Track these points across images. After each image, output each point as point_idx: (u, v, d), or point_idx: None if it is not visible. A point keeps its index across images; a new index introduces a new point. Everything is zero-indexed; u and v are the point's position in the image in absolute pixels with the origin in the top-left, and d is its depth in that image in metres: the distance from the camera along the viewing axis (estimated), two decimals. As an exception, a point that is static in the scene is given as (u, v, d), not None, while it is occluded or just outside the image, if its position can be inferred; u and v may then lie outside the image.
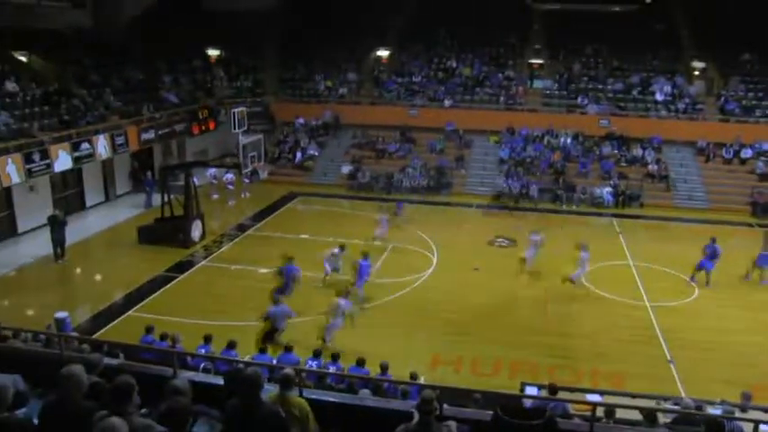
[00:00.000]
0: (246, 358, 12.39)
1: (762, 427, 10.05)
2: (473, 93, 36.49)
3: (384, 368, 12.09)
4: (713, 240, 21.33)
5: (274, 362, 12.56)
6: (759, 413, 12.08)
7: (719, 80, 36.72)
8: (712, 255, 21.10)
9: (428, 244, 24.47)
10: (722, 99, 35.14)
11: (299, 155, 34.93)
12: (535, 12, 40.90)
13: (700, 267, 21.10)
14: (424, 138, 35.03)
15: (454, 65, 38.47)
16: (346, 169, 33.47)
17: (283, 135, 36.66)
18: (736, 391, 12.80)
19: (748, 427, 7.73)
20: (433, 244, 24.25)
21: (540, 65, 37.90)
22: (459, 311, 18.63)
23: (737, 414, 11.30)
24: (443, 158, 33.65)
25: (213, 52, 38.22)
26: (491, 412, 6.83)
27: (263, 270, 20.65)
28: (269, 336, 15.25)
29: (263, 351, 13.62)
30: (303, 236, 24.95)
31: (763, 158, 32.48)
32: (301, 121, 36.91)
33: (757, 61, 37.28)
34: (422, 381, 12.03)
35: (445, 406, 6.84)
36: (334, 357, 13.17)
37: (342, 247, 20.41)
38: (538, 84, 37.07)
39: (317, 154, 35.27)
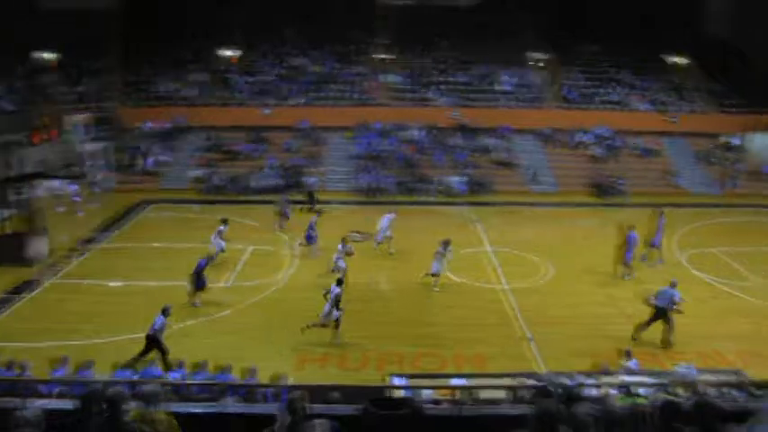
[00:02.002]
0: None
1: (611, 391, 10.54)
2: (325, 90, 36.32)
3: (249, 372, 11.70)
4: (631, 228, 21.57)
5: (135, 377, 11.82)
6: (608, 378, 12.72)
7: (560, 70, 38.59)
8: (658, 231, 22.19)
9: (287, 243, 24.08)
10: (563, 88, 36.95)
11: (149, 161, 33.31)
12: (382, 7, 41.19)
13: (651, 244, 22.12)
14: (279, 137, 34.45)
15: (304, 62, 38.15)
16: (196, 173, 32.23)
17: (131, 141, 34.93)
18: (590, 361, 13.43)
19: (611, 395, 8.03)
20: (293, 243, 23.85)
21: (390, 60, 38.28)
22: (321, 309, 18.34)
23: (589, 382, 11.79)
24: (299, 157, 33.26)
25: (49, 55, 35.87)
26: (361, 406, 6.70)
27: (115, 283, 19.55)
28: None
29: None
30: (156, 244, 23.85)
31: (601, 142, 34.45)
32: (150, 125, 35.21)
33: (594, 52, 39.65)
34: (289, 381, 11.69)
35: (314, 405, 6.63)
36: (179, 365, 12.59)
37: (225, 221, 21.05)
38: (388, 78, 37.36)
39: (168, 159, 33.83)
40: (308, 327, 15.91)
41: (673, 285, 16.59)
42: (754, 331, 17.44)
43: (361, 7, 39.72)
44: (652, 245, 22.32)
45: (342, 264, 19.76)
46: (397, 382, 12.42)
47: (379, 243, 22.50)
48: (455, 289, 20.06)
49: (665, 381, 12.14)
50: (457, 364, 15.24)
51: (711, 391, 10.82)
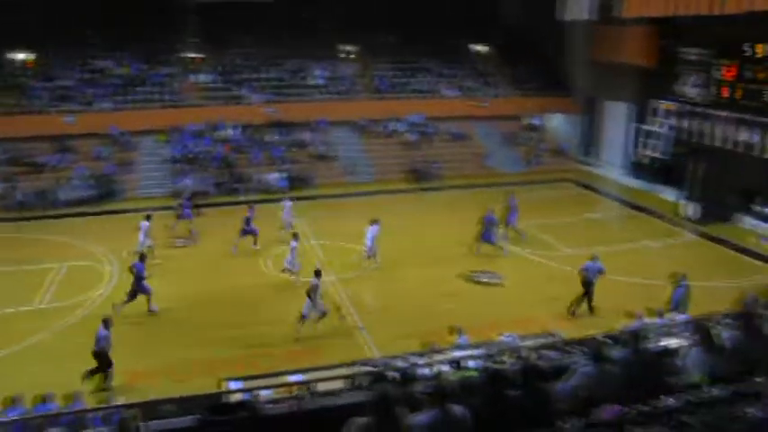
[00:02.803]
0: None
1: (443, 367, 11.17)
2: (133, 93, 34.80)
3: (73, 398, 11.19)
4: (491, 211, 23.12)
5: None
6: (439, 355, 13.43)
7: (369, 61, 39.57)
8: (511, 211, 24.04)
9: (102, 256, 23.06)
10: (374, 79, 37.95)
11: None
12: (188, 5, 40.00)
13: (507, 223, 23.69)
14: (87, 145, 32.50)
15: (109, 65, 36.34)
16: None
17: None
18: (420, 342, 14.12)
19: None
20: (109, 255, 22.87)
21: (199, 59, 37.46)
22: (145, 321, 17.86)
23: (422, 361, 12.41)
24: (110, 164, 31.77)
25: None
26: (197, 416, 6.69)
27: None
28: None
29: None
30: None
31: (414, 130, 35.82)
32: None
33: (399, 42, 41.00)
34: (119, 401, 11.31)
35: (149, 422, 6.54)
36: (14, 401, 11.80)
37: (149, 217, 21.50)
38: (199, 78, 36.51)
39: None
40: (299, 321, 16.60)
41: (595, 259, 18.33)
42: (564, 295, 19.08)
43: (166, 6, 38.42)
44: (507, 223, 23.86)
45: (292, 265, 19.96)
46: (232, 386, 12.35)
47: (369, 256, 21.71)
48: (282, 285, 20.17)
49: (491, 352, 13.02)
50: (292, 360, 15.39)
51: (533, 355, 11.79)
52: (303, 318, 16.70)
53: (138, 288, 17.93)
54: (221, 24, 38.75)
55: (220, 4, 38.70)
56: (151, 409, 7.90)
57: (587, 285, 18.20)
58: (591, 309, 18.21)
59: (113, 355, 14.68)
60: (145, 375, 14.97)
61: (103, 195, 29.92)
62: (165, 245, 23.79)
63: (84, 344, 15.01)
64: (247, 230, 23.09)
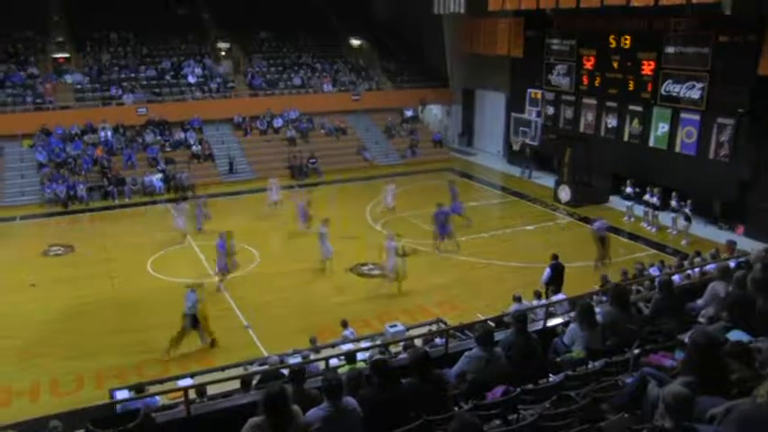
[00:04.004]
0: None
1: (332, 361, 11.26)
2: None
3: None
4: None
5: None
6: (328, 350, 13.55)
7: (244, 58, 39.09)
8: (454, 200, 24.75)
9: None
10: (249, 76, 37.53)
11: None
12: (52, 2, 38.10)
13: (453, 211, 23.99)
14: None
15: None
16: None
17: None
18: (306, 337, 14.20)
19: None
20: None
21: (67, 58, 35.75)
22: (22, 335, 16.96)
23: (312, 357, 12.47)
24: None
25: None
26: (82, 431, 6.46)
27: None
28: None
29: None
30: None
31: (290, 125, 35.70)
32: None
33: (273, 38, 40.70)
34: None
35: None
36: None
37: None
38: (67, 79, 34.81)
39: None
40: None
41: (601, 220, 21.37)
42: (449, 283, 19.58)
43: (28, 2, 36.42)
44: (454, 212, 24.25)
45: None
46: (119, 395, 11.95)
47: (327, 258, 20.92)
48: (165, 288, 19.64)
49: (378, 342, 13.22)
50: (182, 364, 15.14)
51: (419, 342, 12.06)
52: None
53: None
54: (89, 22, 37.34)
55: (88, 1, 37.02)
56: (34, 428, 7.54)
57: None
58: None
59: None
60: (22, 394, 14.26)
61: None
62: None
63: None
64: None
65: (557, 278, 16.74)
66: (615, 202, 27.60)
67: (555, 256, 17.24)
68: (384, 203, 27.06)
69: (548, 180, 30.82)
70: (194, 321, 16.08)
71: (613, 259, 20.52)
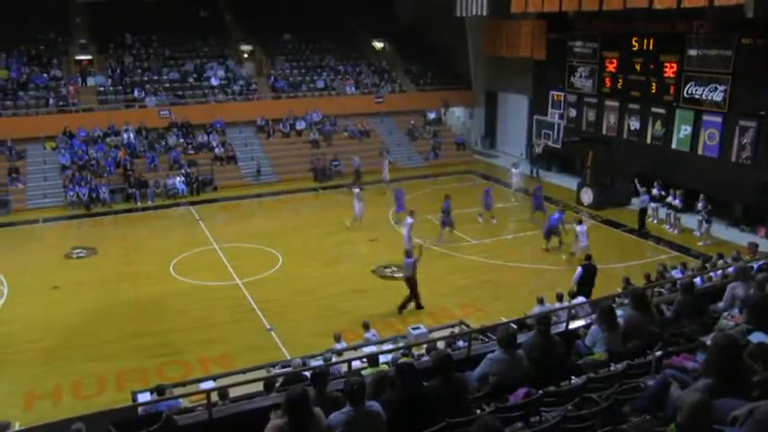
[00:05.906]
0: None
1: (356, 363, 11.21)
2: (17, 97, 33.04)
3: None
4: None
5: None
6: (350, 352, 13.48)
7: (267, 61, 39.23)
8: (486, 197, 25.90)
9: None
10: (272, 78, 37.63)
11: None
12: (75, 4, 38.43)
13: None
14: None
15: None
16: None
17: None
18: (330, 340, 14.11)
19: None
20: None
21: (90, 61, 36.08)
22: (46, 337, 17.06)
23: (334, 359, 12.43)
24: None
25: None
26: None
27: None
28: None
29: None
30: None
31: (314, 128, 35.71)
32: None
33: (296, 40, 40.83)
34: (16, 427, 10.70)
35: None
36: None
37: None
38: (90, 81, 35.14)
39: None
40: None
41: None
42: (471, 285, 19.47)
43: (52, 5, 36.79)
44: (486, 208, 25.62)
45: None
46: (141, 398, 11.97)
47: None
48: (187, 291, 19.73)
49: (402, 344, 13.16)
50: (204, 367, 15.14)
51: (442, 345, 11.99)
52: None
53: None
54: (112, 24, 37.69)
55: (110, 3, 37.22)
56: (57, 431, 7.56)
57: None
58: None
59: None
60: (44, 396, 14.27)
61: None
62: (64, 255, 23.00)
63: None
64: None
65: (588, 279, 16.65)
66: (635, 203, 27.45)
67: (588, 257, 17.27)
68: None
69: (569, 182, 30.62)
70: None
71: (636, 262, 20.32)
